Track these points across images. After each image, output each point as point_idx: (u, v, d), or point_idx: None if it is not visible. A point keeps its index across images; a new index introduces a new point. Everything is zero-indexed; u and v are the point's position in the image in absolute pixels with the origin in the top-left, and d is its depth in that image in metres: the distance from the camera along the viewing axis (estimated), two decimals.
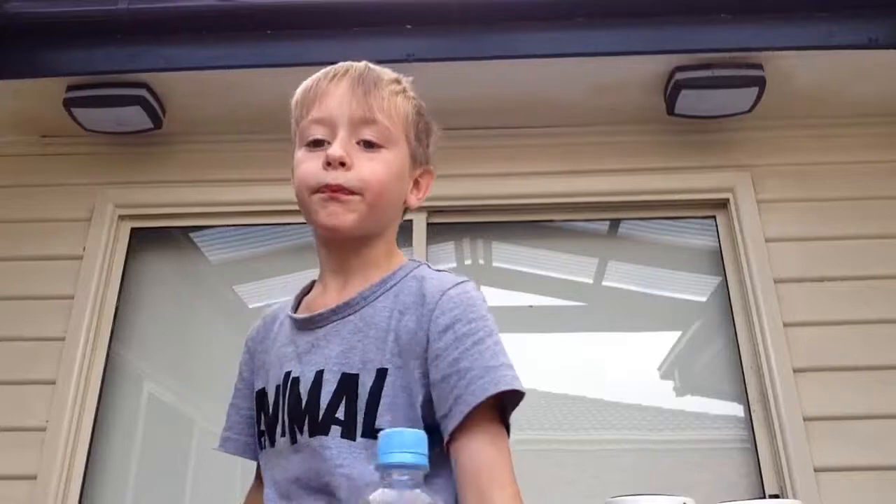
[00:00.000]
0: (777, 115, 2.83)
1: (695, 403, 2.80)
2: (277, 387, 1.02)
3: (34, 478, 2.48)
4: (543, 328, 2.90)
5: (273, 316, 1.14)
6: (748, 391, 2.58)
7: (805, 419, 2.45)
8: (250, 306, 3.06)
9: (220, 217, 2.93)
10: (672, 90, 2.68)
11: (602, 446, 2.75)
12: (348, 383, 0.95)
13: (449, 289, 0.97)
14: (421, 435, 0.71)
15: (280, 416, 1.00)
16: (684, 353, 2.81)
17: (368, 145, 1.01)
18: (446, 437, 0.91)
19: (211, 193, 2.90)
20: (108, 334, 2.75)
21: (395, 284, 1.01)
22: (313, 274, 1.17)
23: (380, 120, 1.02)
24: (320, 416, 0.94)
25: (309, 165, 1.01)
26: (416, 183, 1.10)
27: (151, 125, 2.83)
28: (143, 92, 2.70)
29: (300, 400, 0.97)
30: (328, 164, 0.98)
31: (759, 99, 2.68)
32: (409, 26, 2.63)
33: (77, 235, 2.83)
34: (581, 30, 2.62)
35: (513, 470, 0.90)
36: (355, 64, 1.08)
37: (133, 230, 2.91)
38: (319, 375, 0.96)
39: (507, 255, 3.05)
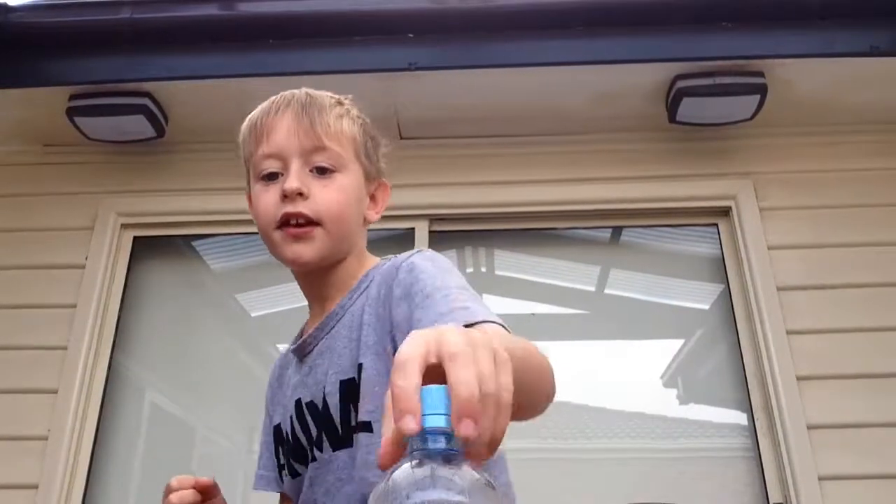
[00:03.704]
0: (779, 122, 2.83)
1: (698, 412, 2.79)
2: (290, 417, 1.06)
3: (35, 487, 2.47)
4: (545, 336, 2.89)
5: (286, 355, 1.18)
6: (751, 399, 2.57)
7: (809, 427, 2.44)
8: (252, 315, 3.06)
9: (222, 225, 2.93)
10: (674, 98, 2.68)
11: (604, 455, 2.74)
12: (349, 389, 0.96)
13: (402, 263, 0.98)
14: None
15: (300, 442, 1.03)
16: (687, 361, 2.80)
17: (321, 171, 1.05)
18: None
19: (213, 202, 2.90)
20: (111, 343, 2.75)
21: (368, 284, 1.04)
22: None
23: (329, 146, 1.05)
24: (339, 430, 0.96)
25: (267, 199, 1.04)
26: (373, 198, 1.13)
27: (154, 134, 2.83)
28: (145, 101, 2.71)
29: (317, 419, 1.00)
30: (285, 196, 1.02)
31: (760, 107, 2.69)
32: (410, 35, 2.63)
33: (79, 244, 2.83)
34: (582, 38, 2.62)
35: None
36: (296, 93, 1.10)
37: (135, 239, 2.92)
38: (323, 392, 0.99)
39: (510, 263, 3.05)
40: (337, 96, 1.12)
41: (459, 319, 0.80)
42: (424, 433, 0.53)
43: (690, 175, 2.87)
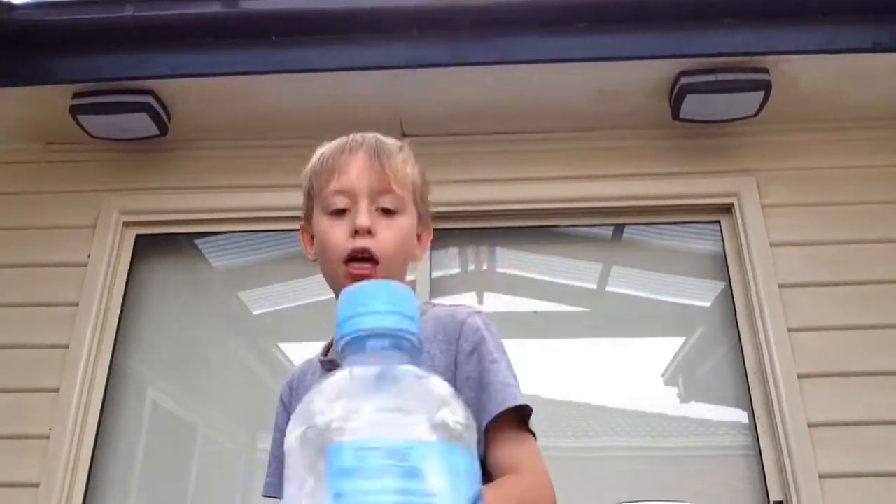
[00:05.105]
0: (782, 119, 2.82)
1: (699, 410, 2.79)
2: None
3: (37, 486, 2.48)
4: (547, 334, 2.89)
5: (301, 371, 1.25)
6: (752, 397, 2.56)
7: (810, 425, 2.43)
8: (254, 313, 3.06)
9: (225, 223, 2.94)
10: (677, 95, 2.67)
11: (606, 453, 2.74)
12: None
13: (465, 319, 1.10)
14: (404, 289, 0.51)
15: None
16: (688, 358, 2.80)
17: (386, 212, 1.14)
18: (481, 445, 1.01)
19: (215, 200, 2.90)
20: (112, 341, 2.75)
21: None
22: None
23: (396, 190, 1.14)
24: None
25: (337, 234, 1.12)
26: (419, 237, 1.23)
27: (157, 132, 2.83)
28: (148, 99, 2.71)
29: None
30: (356, 231, 1.11)
31: (764, 103, 2.68)
32: (414, 32, 2.63)
33: (82, 242, 2.84)
34: (586, 35, 2.62)
35: (541, 460, 1.04)
36: (367, 136, 1.19)
37: (138, 237, 2.92)
38: None
39: (511, 261, 3.05)
40: (399, 143, 1.22)
41: (510, 401, 1.01)
42: (363, 337, 0.48)
43: (693, 172, 2.86)
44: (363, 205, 1.12)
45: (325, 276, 1.18)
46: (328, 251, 1.13)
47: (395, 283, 0.52)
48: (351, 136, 1.19)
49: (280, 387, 1.27)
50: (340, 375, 0.47)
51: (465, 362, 1.06)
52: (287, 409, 1.22)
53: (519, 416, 1.05)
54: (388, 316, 0.48)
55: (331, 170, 1.15)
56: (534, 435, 1.07)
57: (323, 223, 1.15)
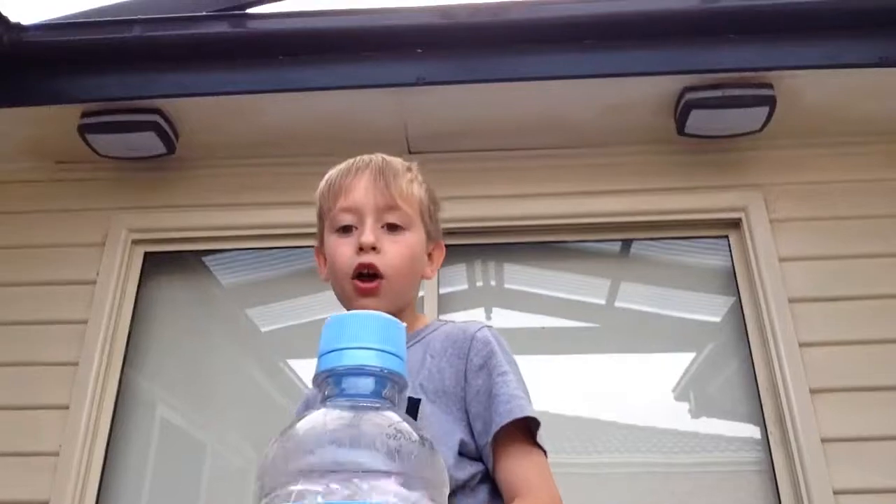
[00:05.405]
0: (788, 133, 2.82)
1: (710, 425, 2.77)
2: None
3: (47, 503, 2.47)
4: (555, 350, 2.88)
5: (315, 391, 1.25)
6: (764, 412, 2.55)
7: (823, 440, 2.41)
8: (262, 330, 3.06)
9: (233, 241, 2.94)
10: (682, 110, 2.67)
11: (616, 469, 2.72)
12: None
13: (475, 333, 1.13)
14: (391, 322, 0.48)
15: None
16: (699, 374, 2.78)
17: (392, 228, 1.17)
18: (489, 459, 1.04)
19: (223, 217, 2.91)
20: (121, 358, 2.75)
21: (425, 336, 1.17)
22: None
23: (401, 206, 1.18)
24: None
25: (343, 251, 1.16)
26: (430, 256, 1.27)
27: (165, 150, 2.85)
28: (156, 118, 2.73)
29: None
30: (361, 248, 1.14)
31: (769, 118, 2.68)
32: (419, 50, 2.65)
33: (91, 260, 2.84)
34: (591, 51, 2.63)
35: (550, 476, 1.05)
36: (373, 157, 1.23)
37: (146, 254, 2.93)
38: None
39: (519, 277, 3.04)
40: (406, 163, 1.26)
41: (516, 412, 1.03)
42: (341, 374, 0.45)
43: (700, 187, 2.86)
44: (369, 222, 1.15)
45: (335, 292, 1.20)
46: (336, 268, 1.16)
47: (381, 316, 0.49)
48: (358, 158, 1.24)
49: (290, 403, 1.28)
50: (304, 425, 0.45)
51: (475, 376, 1.08)
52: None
53: (528, 431, 1.05)
54: (369, 353, 0.45)
55: (338, 190, 1.19)
56: (544, 451, 1.07)
57: (331, 241, 1.19)
